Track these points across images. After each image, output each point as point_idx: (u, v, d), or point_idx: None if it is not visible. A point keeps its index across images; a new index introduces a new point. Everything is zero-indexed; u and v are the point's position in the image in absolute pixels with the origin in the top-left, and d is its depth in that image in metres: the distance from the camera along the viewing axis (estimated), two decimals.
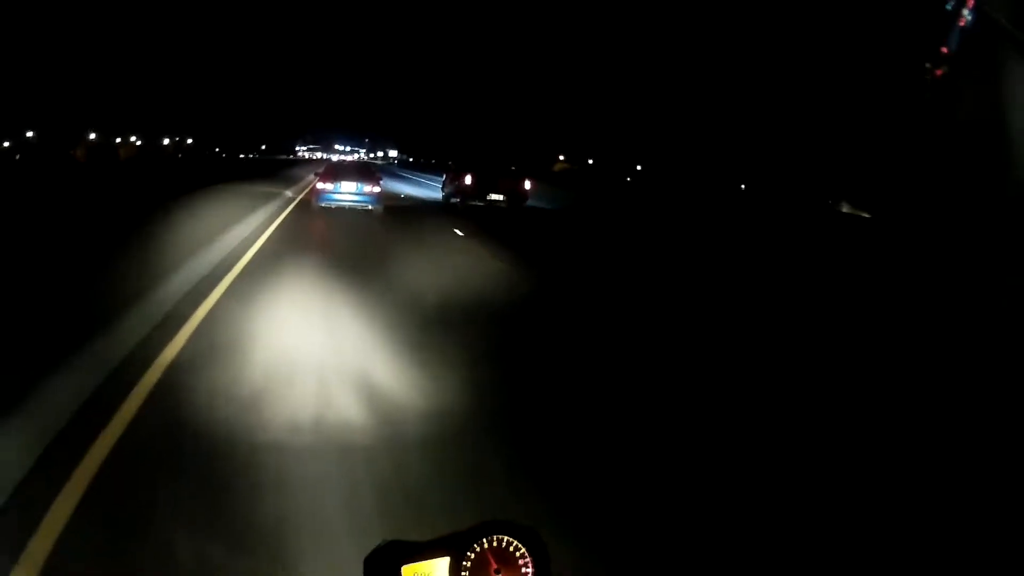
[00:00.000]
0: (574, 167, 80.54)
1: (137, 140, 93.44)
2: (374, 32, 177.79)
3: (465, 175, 33.12)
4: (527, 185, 33.71)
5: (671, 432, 6.66)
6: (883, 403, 7.79)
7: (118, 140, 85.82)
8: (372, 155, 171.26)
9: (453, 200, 34.14)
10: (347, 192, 26.24)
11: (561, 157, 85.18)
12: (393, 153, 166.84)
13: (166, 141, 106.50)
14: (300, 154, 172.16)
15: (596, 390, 7.85)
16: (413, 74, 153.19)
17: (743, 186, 53.53)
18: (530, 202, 33.98)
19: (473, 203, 32.79)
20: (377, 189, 26.51)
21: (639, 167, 73.61)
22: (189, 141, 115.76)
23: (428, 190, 45.30)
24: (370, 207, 26.29)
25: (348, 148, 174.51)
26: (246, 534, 4.44)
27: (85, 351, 7.17)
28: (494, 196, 32.80)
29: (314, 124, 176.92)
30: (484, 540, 1.94)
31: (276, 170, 57.84)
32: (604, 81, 71.77)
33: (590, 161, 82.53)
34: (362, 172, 28.29)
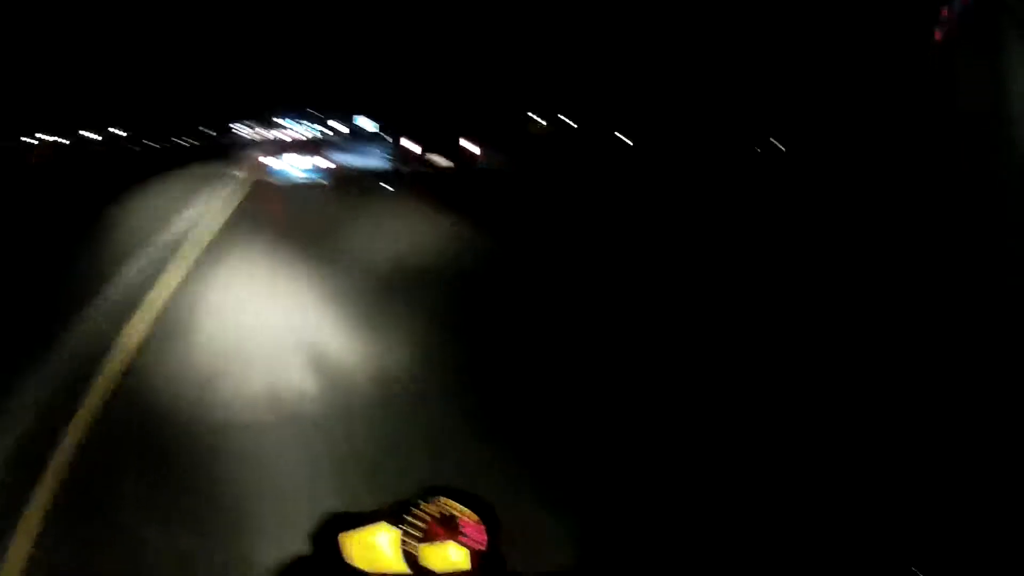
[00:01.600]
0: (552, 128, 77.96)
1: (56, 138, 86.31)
2: None
3: (409, 141, 33.03)
4: (476, 149, 33.49)
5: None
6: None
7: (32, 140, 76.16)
8: (332, 129, 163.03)
9: (401, 168, 33.58)
10: (296, 166, 26.26)
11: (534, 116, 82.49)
12: (367, 124, 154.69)
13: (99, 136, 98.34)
14: (245, 135, 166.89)
15: None
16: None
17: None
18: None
19: (419, 168, 32.43)
20: (329, 164, 26.55)
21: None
22: (123, 135, 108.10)
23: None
24: (319, 179, 26.16)
25: (302, 123, 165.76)
26: None
27: None
28: (440, 160, 32.64)
29: (262, 99, 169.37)
30: (424, 505, 1.96)
31: (218, 154, 56.93)
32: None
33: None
34: (311, 147, 28.79)
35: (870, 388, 8.14)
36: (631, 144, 56.05)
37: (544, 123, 75.13)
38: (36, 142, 74.16)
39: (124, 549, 4.24)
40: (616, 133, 67.76)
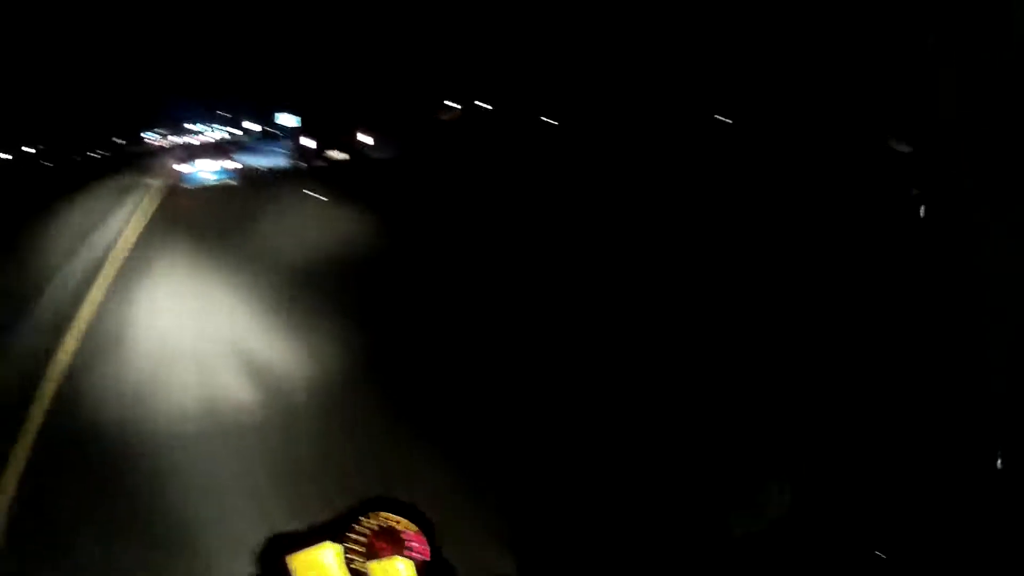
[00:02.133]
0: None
1: None
2: None
3: (306, 136, 34.23)
4: (369, 140, 34.05)
5: None
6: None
7: None
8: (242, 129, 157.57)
9: (299, 163, 34.11)
10: (207, 170, 27.00)
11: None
12: (288, 121, 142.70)
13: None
14: (156, 142, 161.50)
15: None
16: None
17: None
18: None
19: (316, 163, 33.12)
20: (235, 164, 27.57)
21: None
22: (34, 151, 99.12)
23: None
24: (230, 181, 26.70)
25: (211, 126, 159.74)
26: None
27: None
28: (335, 154, 33.42)
29: (170, 104, 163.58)
30: (364, 520, 1.97)
31: (132, 164, 55.68)
32: None
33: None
34: (220, 150, 30.25)
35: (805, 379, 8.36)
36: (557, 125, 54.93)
37: (458, 108, 72.81)
38: None
39: (67, 568, 4.19)
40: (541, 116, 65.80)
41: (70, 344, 8.54)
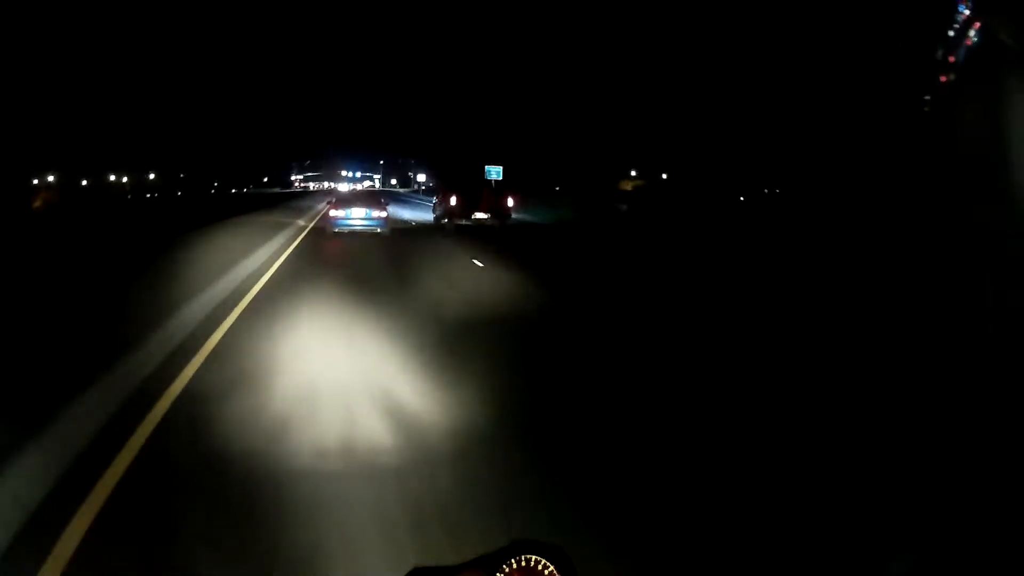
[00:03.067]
0: (643, 183, 69.25)
1: (78, 180, 76.10)
2: (391, 32, 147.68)
3: (451, 196, 35.06)
4: (510, 202, 35.86)
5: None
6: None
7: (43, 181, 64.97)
8: (392, 182, 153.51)
9: (443, 221, 35.62)
10: (357, 218, 28.94)
11: (633, 172, 73.41)
12: (423, 178, 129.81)
13: (124, 178, 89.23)
14: (302, 186, 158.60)
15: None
16: (442, 81, 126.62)
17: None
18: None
19: (461, 222, 34.65)
20: (384, 213, 29.13)
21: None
22: (151, 176, 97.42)
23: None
24: (379, 230, 28.58)
25: (358, 175, 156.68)
26: None
27: None
28: (479, 215, 34.92)
29: (316, 149, 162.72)
30: (512, 561, 1.95)
31: (283, 203, 57.94)
32: (675, 83, 62.55)
33: (663, 176, 70.89)
34: (370, 199, 31.41)
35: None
36: None
37: (639, 180, 71.45)
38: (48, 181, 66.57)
39: None
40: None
41: (208, 370, 8.65)
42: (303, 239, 27.37)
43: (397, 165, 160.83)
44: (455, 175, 45.47)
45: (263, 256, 20.08)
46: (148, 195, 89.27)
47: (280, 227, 29.95)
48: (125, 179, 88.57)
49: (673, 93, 62.32)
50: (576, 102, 76.21)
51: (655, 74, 64.74)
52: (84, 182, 77.29)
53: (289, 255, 21.33)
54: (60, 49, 62.21)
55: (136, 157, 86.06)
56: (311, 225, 34.34)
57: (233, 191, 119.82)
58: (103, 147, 74.46)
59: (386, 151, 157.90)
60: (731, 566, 4.47)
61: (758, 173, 53.38)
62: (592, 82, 74.19)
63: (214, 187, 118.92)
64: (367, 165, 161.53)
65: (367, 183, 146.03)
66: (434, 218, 37.98)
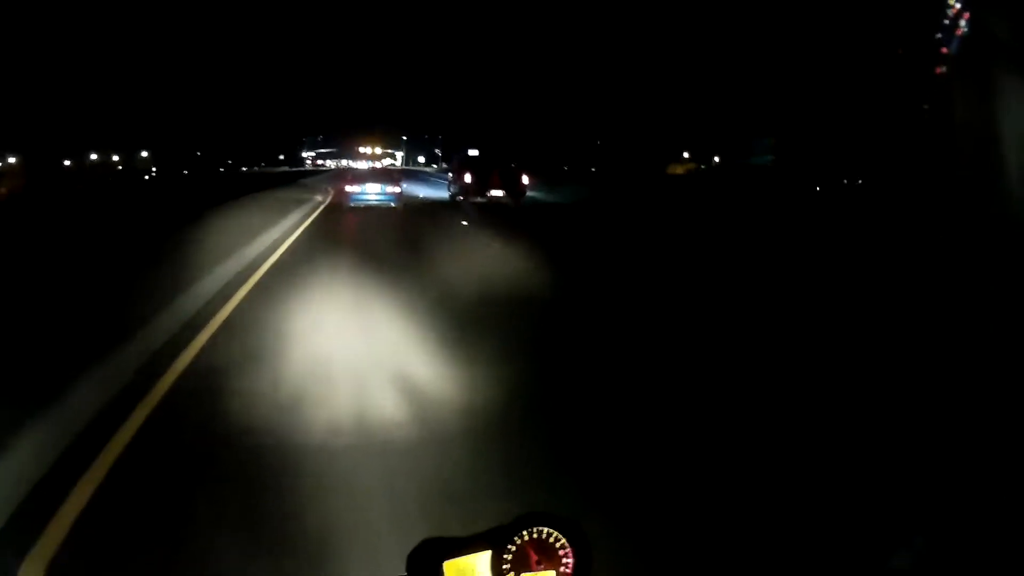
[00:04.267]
0: (698, 167, 66.41)
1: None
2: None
3: (465, 174, 35.85)
4: (524, 180, 36.09)
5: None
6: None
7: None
8: (419, 159, 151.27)
9: (458, 198, 36.58)
10: (372, 193, 30.73)
11: (686, 155, 69.62)
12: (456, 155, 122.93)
13: (114, 157, 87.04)
14: (313, 163, 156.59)
15: None
16: (468, 59, 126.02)
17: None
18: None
19: (475, 199, 35.26)
20: (398, 189, 30.70)
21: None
22: (144, 154, 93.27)
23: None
24: (392, 204, 30.46)
25: (378, 151, 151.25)
26: None
27: None
28: (494, 192, 35.31)
29: (332, 125, 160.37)
30: (524, 533, 1.93)
31: (300, 179, 58.01)
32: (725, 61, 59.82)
33: (716, 159, 67.35)
34: (384, 176, 32.84)
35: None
36: None
37: (692, 164, 68.51)
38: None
39: (201, 572, 4.13)
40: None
41: (222, 344, 8.76)
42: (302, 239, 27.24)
43: (423, 142, 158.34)
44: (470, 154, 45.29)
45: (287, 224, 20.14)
46: (146, 176, 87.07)
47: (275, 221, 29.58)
48: (115, 157, 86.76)
49: (732, 66, 59.10)
50: (622, 79, 74.41)
51: (711, 45, 61.78)
52: (67, 162, 74.47)
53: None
54: (58, 33, 63.72)
55: (128, 135, 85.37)
56: (330, 200, 34.36)
57: (244, 169, 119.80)
58: (108, 126, 75.83)
59: (410, 128, 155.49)
60: (739, 549, 4.45)
61: (837, 161, 46.40)
62: (642, 56, 72.10)
63: (224, 166, 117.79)
64: (388, 141, 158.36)
65: (387, 160, 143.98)
66: (449, 195, 38.70)
